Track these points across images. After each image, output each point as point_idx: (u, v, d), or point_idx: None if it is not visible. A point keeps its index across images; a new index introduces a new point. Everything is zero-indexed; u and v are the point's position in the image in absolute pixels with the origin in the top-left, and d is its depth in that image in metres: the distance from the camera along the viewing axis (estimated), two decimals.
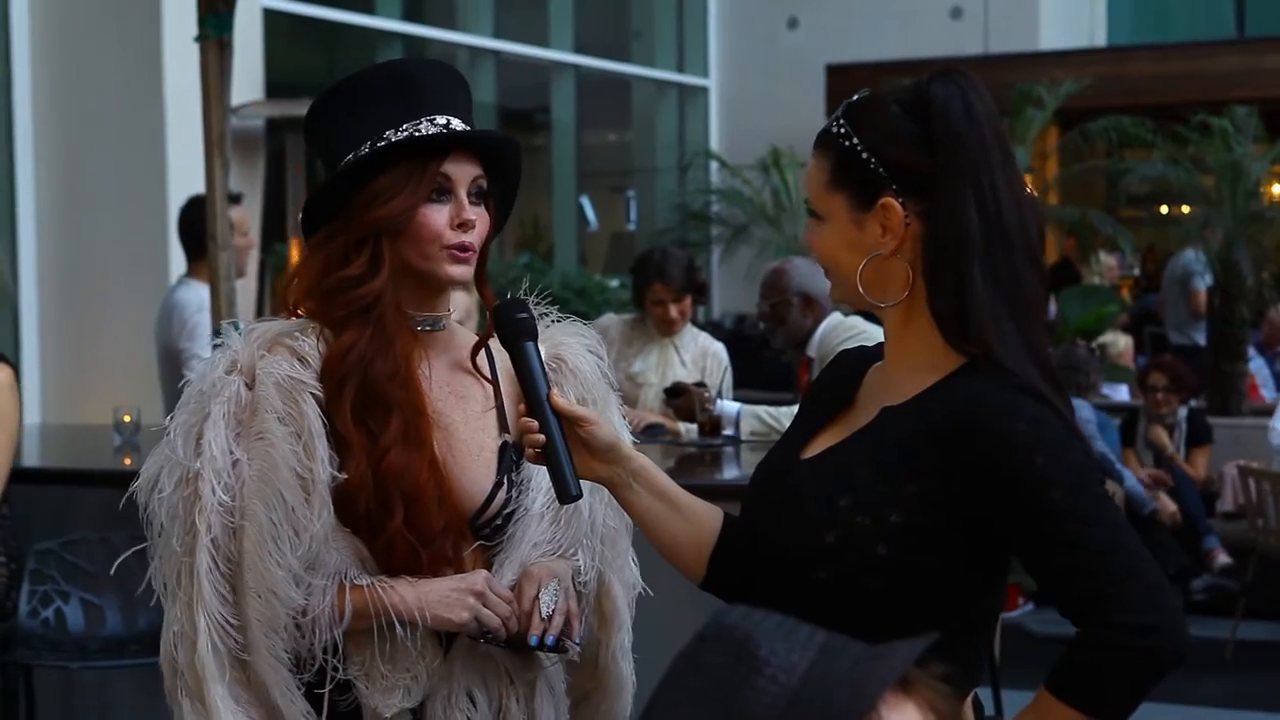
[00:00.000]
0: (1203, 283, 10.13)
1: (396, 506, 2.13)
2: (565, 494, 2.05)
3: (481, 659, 2.21)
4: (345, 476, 2.11)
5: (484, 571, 2.18)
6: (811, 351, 5.17)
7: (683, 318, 5.57)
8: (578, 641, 2.21)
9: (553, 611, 2.17)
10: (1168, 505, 7.42)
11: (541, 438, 2.06)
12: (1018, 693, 2.80)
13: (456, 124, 2.20)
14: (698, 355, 5.59)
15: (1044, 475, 1.80)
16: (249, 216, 6.33)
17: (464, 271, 2.21)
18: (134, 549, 2.29)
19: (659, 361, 5.55)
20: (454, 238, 2.18)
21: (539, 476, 2.23)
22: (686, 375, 5.50)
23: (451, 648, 2.19)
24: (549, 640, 2.16)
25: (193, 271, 5.78)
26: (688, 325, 5.66)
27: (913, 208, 1.91)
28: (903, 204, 1.91)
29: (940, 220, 1.89)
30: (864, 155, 1.92)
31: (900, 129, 1.91)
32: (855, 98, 1.98)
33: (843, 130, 1.94)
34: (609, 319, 5.81)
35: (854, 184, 1.93)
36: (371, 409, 2.14)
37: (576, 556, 2.26)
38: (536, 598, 2.16)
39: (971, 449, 1.83)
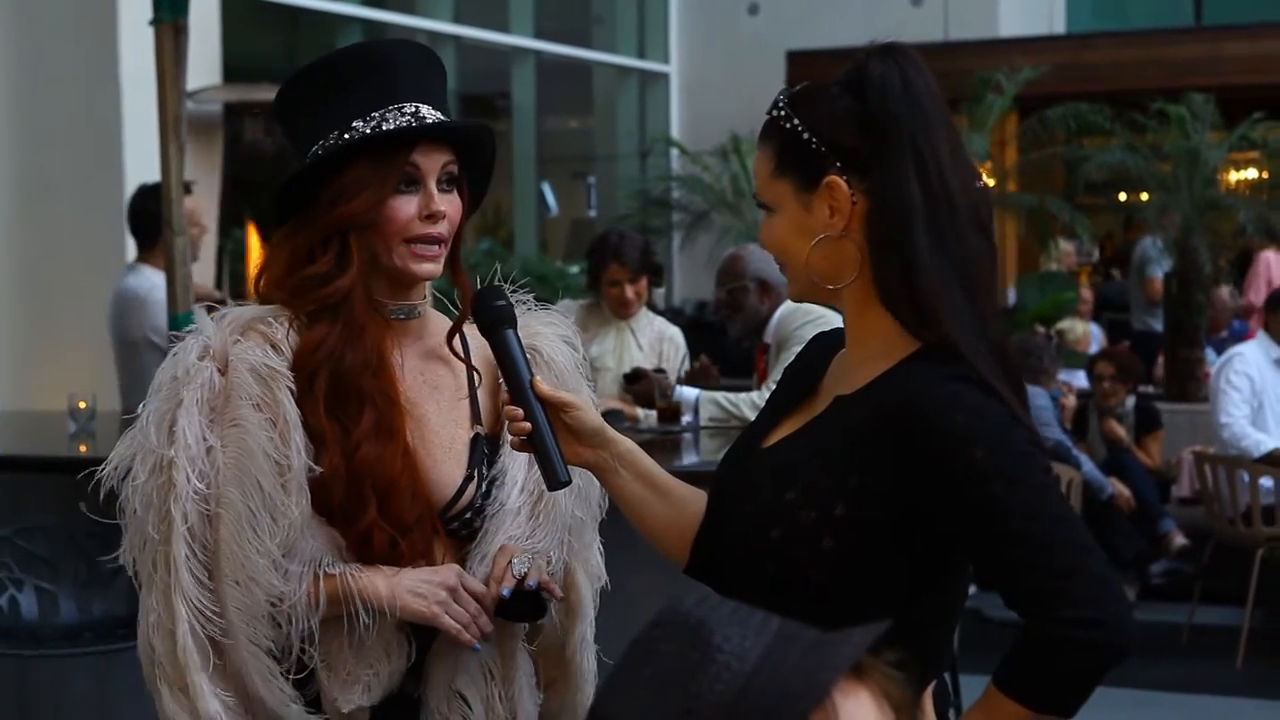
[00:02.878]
0: (1159, 269, 10.19)
1: (369, 499, 2.11)
2: (554, 480, 2.03)
3: (463, 659, 2.19)
4: (321, 470, 2.10)
5: (456, 566, 2.16)
6: (768, 338, 5.18)
7: (638, 299, 5.57)
8: (551, 607, 2.20)
9: (526, 572, 2.14)
10: (1122, 490, 7.48)
11: (527, 425, 2.03)
12: (974, 677, 2.81)
13: (426, 111, 2.16)
14: (654, 339, 5.59)
15: (983, 469, 1.78)
16: (199, 203, 6.30)
17: (431, 269, 2.18)
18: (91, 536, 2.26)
19: (616, 346, 5.55)
20: (420, 229, 2.15)
21: (514, 470, 2.22)
22: (643, 359, 5.50)
23: (430, 651, 2.18)
24: (530, 584, 2.12)
25: (142, 258, 5.76)
26: (644, 309, 5.65)
27: (858, 186, 1.90)
28: (848, 182, 1.90)
29: (883, 194, 1.88)
30: (805, 136, 1.91)
31: (839, 108, 1.91)
32: (796, 86, 1.98)
33: (783, 114, 1.94)
34: (564, 305, 5.80)
35: (798, 167, 1.92)
36: (343, 402, 2.13)
37: (549, 551, 2.24)
38: (509, 564, 2.14)
39: (911, 442, 1.81)
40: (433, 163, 2.16)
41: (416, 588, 2.12)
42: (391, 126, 2.14)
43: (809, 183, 1.92)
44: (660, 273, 5.80)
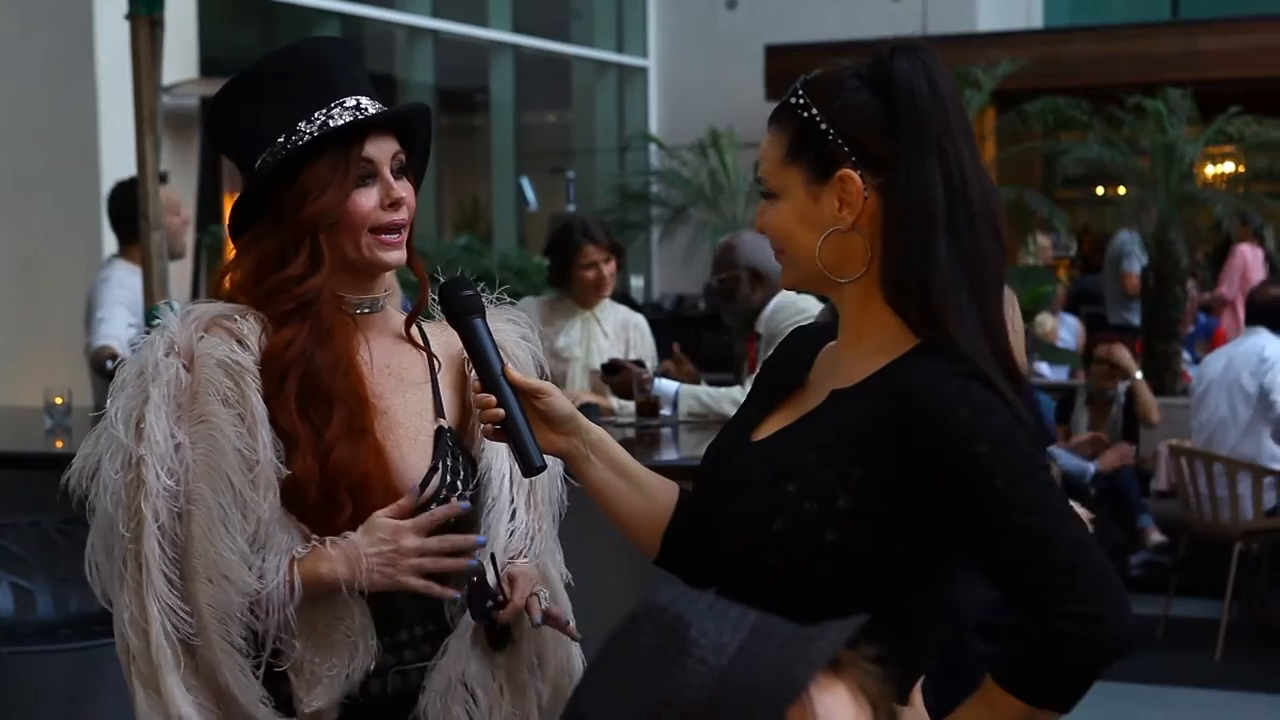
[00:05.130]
0: (1136, 264, 10.22)
1: (345, 502, 2.12)
2: (529, 467, 2.03)
3: (475, 651, 2.19)
4: (289, 472, 2.10)
5: (391, 523, 2.12)
6: (760, 328, 5.17)
7: (612, 278, 5.58)
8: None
9: (548, 607, 2.19)
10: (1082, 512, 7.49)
11: (500, 413, 2.03)
12: None
13: (366, 103, 2.18)
14: (619, 327, 5.59)
15: (987, 464, 1.79)
16: (178, 194, 6.28)
17: (399, 256, 2.20)
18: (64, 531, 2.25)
19: (582, 335, 5.54)
20: (385, 218, 2.17)
21: (498, 465, 2.23)
22: (610, 346, 5.50)
23: (446, 641, 2.18)
24: (537, 620, 2.17)
25: (122, 253, 5.75)
26: (605, 299, 5.65)
27: (871, 181, 1.88)
28: (861, 177, 1.88)
29: (905, 194, 1.86)
30: (823, 127, 1.89)
31: (860, 102, 1.89)
32: (813, 73, 1.96)
33: (801, 101, 1.91)
34: (525, 302, 5.79)
35: (812, 157, 1.90)
36: (314, 402, 2.13)
37: (539, 549, 2.25)
38: (535, 594, 2.17)
39: (915, 436, 1.81)
40: (384, 152, 2.18)
41: (381, 560, 2.10)
42: (339, 122, 2.15)
43: (821, 174, 1.90)
44: (622, 253, 5.81)
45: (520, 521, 2.23)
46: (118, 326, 5.56)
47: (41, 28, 7.72)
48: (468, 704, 2.18)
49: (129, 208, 5.35)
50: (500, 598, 2.16)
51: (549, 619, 2.19)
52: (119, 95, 5.94)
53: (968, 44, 12.11)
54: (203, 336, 2.13)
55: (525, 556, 2.24)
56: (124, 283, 5.56)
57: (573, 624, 2.30)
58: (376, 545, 2.11)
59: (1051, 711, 1.83)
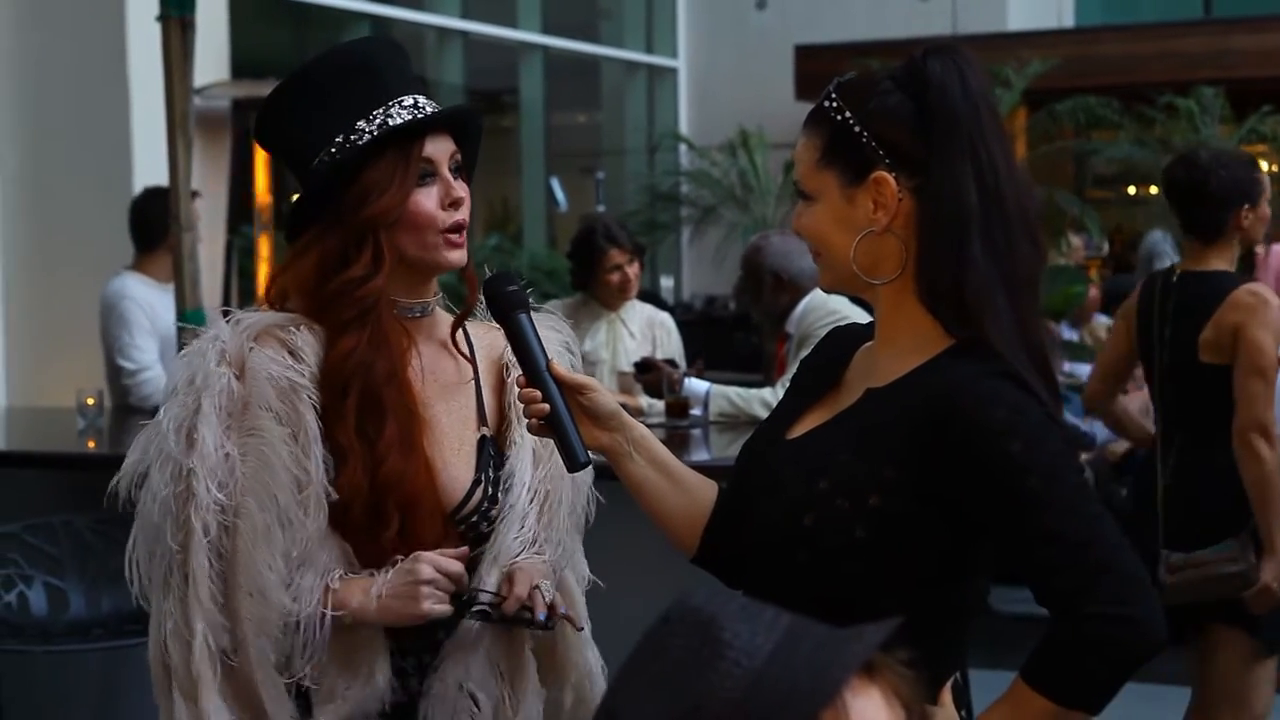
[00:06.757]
0: (1169, 263, 10.16)
1: (392, 516, 2.10)
2: (574, 462, 2.03)
3: (475, 656, 2.18)
4: (341, 486, 2.08)
5: (426, 555, 2.11)
6: (790, 328, 5.17)
7: (636, 280, 5.59)
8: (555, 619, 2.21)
9: (553, 598, 2.16)
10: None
11: (545, 407, 2.03)
12: (981, 671, 2.81)
13: (424, 102, 2.17)
14: (644, 326, 5.60)
15: (1021, 464, 1.79)
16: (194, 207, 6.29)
17: (461, 255, 2.18)
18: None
19: (608, 337, 5.54)
20: (448, 219, 2.15)
21: (521, 472, 2.22)
22: (636, 347, 5.50)
23: (444, 647, 2.17)
24: (540, 617, 2.14)
25: (138, 265, 5.72)
26: (630, 300, 5.65)
27: (905, 183, 1.89)
28: (895, 179, 1.89)
29: (938, 195, 1.87)
30: (857, 129, 1.90)
31: (893, 104, 1.90)
32: (846, 76, 1.97)
33: (835, 104, 1.92)
34: (550, 306, 5.77)
35: (846, 160, 1.91)
36: (370, 415, 2.11)
37: (548, 553, 2.23)
38: (537, 587, 2.14)
39: (949, 435, 1.81)
40: (442, 152, 2.17)
41: (399, 592, 2.08)
42: (398, 121, 2.13)
43: (855, 176, 1.91)
44: (643, 252, 5.83)
45: (529, 529, 2.21)
46: (150, 355, 5.53)
47: (72, 30, 7.75)
48: (471, 711, 2.17)
49: (154, 216, 5.34)
50: (498, 596, 2.15)
51: (553, 613, 2.16)
52: (151, 97, 5.95)
53: (998, 43, 12.06)
54: (253, 347, 2.11)
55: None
56: (143, 300, 5.54)
57: (586, 625, 2.30)
58: (399, 580, 2.09)
59: (1081, 712, 1.83)
